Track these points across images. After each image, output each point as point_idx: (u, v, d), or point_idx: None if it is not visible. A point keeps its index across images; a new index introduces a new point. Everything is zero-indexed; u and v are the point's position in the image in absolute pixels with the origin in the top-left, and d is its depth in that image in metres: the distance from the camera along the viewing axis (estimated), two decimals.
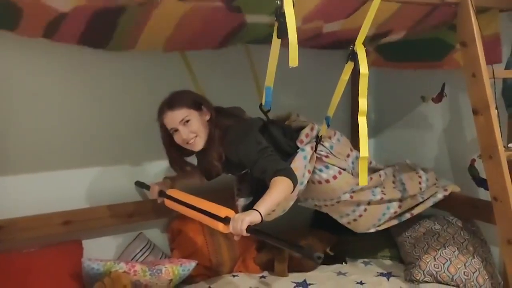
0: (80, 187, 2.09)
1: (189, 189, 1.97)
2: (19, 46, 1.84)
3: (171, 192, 1.91)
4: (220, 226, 1.55)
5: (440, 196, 2.20)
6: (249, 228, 1.43)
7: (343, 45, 2.01)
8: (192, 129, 1.71)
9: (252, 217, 1.45)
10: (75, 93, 2.04)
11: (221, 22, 1.67)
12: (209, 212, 1.61)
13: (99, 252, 2.09)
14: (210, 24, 1.67)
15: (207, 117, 1.77)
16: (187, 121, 1.71)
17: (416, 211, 2.17)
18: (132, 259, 2.12)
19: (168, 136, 1.79)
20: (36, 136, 1.97)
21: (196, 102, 1.75)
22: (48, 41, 1.71)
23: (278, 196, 1.56)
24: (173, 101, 1.73)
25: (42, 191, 1.99)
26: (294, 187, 1.62)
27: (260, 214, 1.47)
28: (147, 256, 2.17)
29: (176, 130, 1.73)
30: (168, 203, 1.91)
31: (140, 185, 2.15)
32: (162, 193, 1.93)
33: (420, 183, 2.26)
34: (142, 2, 1.42)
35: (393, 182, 2.18)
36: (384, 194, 2.10)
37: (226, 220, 1.52)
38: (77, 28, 1.59)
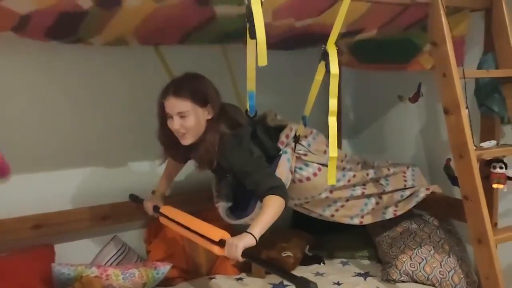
0: (51, 189, 2.05)
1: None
2: (3, 43, 1.81)
3: (165, 209, 1.88)
4: (215, 249, 1.55)
5: (422, 195, 2.20)
6: (244, 253, 1.43)
7: (316, 40, 2.01)
8: (186, 125, 1.65)
9: (246, 242, 1.45)
10: (46, 94, 2.01)
11: (191, 15, 1.62)
12: (202, 235, 1.61)
13: (73, 256, 2.05)
14: (178, 17, 1.62)
15: (209, 116, 1.69)
16: (184, 116, 1.64)
17: (399, 211, 2.17)
18: (106, 263, 2.09)
19: (163, 117, 1.71)
20: (4, 137, 1.92)
21: (204, 99, 1.66)
22: (30, 41, 1.68)
23: (271, 217, 1.55)
24: (181, 88, 1.63)
25: (11, 193, 1.94)
26: (286, 204, 1.61)
27: (255, 237, 1.47)
28: (122, 259, 2.14)
29: (171, 117, 1.66)
30: (163, 220, 1.88)
31: (134, 198, 2.08)
32: (156, 209, 1.90)
33: (405, 179, 2.26)
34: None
35: (377, 180, 2.19)
36: (365, 189, 2.11)
37: (221, 243, 1.52)
38: (44, 25, 1.57)
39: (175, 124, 1.65)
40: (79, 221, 2.06)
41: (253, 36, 1.44)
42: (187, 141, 1.69)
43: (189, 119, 1.64)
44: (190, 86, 1.65)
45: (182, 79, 1.68)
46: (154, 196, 2.00)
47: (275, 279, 2.16)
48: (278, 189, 1.61)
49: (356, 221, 2.13)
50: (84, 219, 2.06)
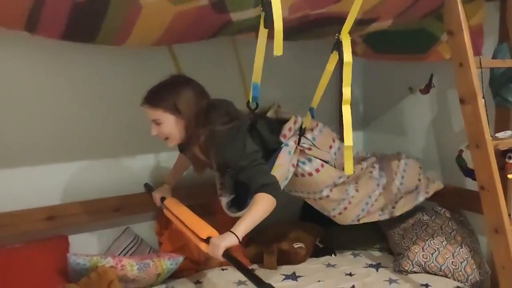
0: (65, 181, 2.05)
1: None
2: (1, 38, 1.79)
3: (168, 202, 1.91)
4: (202, 246, 1.57)
5: (421, 199, 2.21)
6: (225, 254, 1.46)
7: (327, 30, 1.98)
8: (162, 132, 1.67)
9: (228, 242, 1.47)
10: (57, 88, 2.00)
11: (208, 23, 1.65)
12: (193, 231, 1.64)
13: (86, 247, 2.07)
14: (197, 25, 1.65)
15: (186, 123, 1.66)
16: (159, 123, 1.66)
17: (397, 212, 2.18)
18: (119, 254, 2.10)
19: None
20: (19, 131, 1.93)
21: (178, 107, 1.64)
22: (33, 36, 1.65)
23: (258, 216, 1.55)
24: (154, 96, 1.65)
25: (25, 185, 1.95)
26: (277, 203, 1.59)
27: (238, 237, 1.49)
28: (134, 251, 2.15)
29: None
30: (166, 212, 1.92)
31: (148, 188, 2.11)
32: (163, 200, 1.95)
33: (398, 166, 2.24)
34: None
35: (371, 172, 2.17)
36: (357, 189, 2.08)
37: (207, 241, 1.54)
38: (59, 19, 1.55)
39: (152, 131, 1.69)
40: (92, 213, 2.06)
41: (267, 25, 1.42)
42: (169, 144, 1.72)
43: (163, 126, 1.66)
44: (162, 95, 1.65)
45: (157, 88, 1.68)
46: (163, 188, 2.01)
47: (287, 270, 2.16)
48: (270, 186, 1.59)
49: (355, 222, 2.14)
50: (97, 210, 2.06)
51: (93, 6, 1.45)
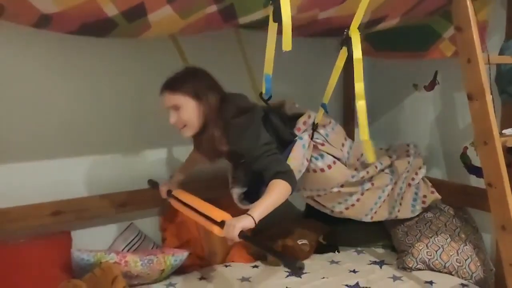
0: (69, 176, 2.04)
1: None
2: (5, 32, 1.78)
3: (176, 193, 1.91)
4: (215, 230, 1.56)
5: (418, 207, 2.22)
6: (241, 234, 1.44)
7: (336, 32, 1.97)
8: (181, 118, 1.67)
9: (244, 223, 1.46)
10: (63, 81, 1.99)
11: (216, 27, 1.68)
12: (207, 215, 1.63)
13: (89, 243, 2.05)
14: (206, 29, 1.69)
15: (205, 110, 1.68)
16: (178, 107, 1.66)
17: (400, 215, 2.20)
18: (122, 250, 2.09)
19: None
20: (24, 126, 1.92)
21: (196, 93, 1.66)
22: (40, 31, 1.64)
23: (274, 201, 1.54)
24: (174, 83, 1.68)
25: (30, 181, 1.94)
26: (293, 190, 1.60)
27: (254, 219, 1.47)
28: (138, 246, 2.14)
29: (169, 111, 1.70)
30: (174, 203, 1.91)
31: (152, 184, 2.10)
32: (169, 193, 1.94)
33: (407, 154, 2.25)
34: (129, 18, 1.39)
35: (382, 170, 2.17)
36: (373, 182, 2.08)
37: (221, 224, 1.53)
38: (69, 29, 1.54)
39: (171, 118, 1.68)
40: (97, 208, 2.05)
41: (276, 19, 1.41)
42: (186, 133, 1.72)
43: (183, 111, 1.66)
44: (183, 82, 1.67)
45: (176, 75, 1.70)
46: (170, 181, 2.01)
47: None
48: (285, 174, 1.59)
49: (367, 219, 2.15)
50: (101, 206, 2.06)
51: (101, 25, 1.45)
